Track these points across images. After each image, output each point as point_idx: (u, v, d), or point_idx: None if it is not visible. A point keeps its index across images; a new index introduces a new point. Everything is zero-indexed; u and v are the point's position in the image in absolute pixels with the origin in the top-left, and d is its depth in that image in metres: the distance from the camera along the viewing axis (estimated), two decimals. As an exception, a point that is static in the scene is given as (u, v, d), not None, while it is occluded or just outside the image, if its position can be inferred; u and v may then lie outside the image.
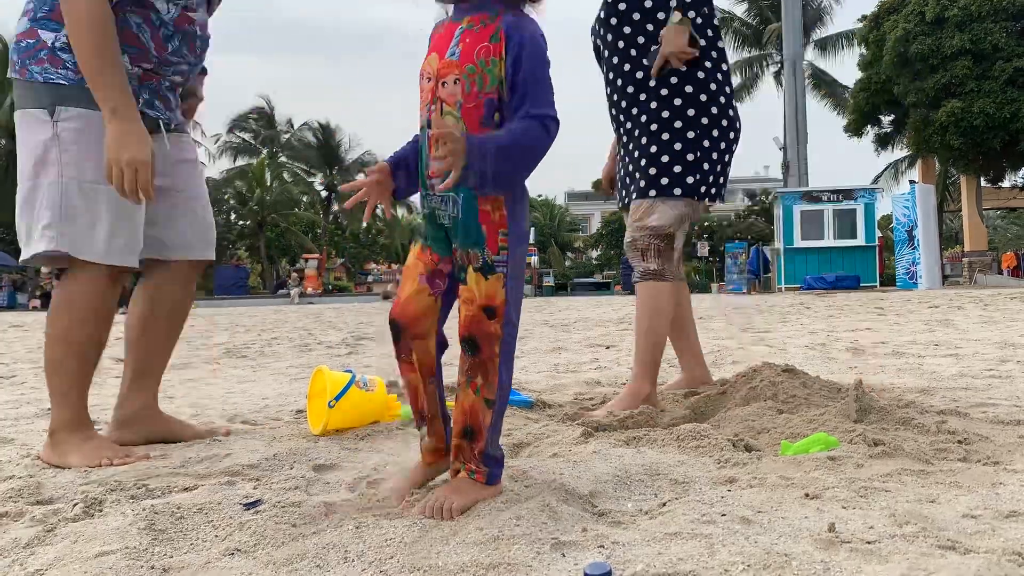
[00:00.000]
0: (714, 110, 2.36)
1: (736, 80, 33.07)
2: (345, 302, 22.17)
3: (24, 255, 1.86)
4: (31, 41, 1.83)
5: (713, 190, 2.39)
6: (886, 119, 24.21)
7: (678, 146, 2.33)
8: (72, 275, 1.83)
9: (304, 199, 39.98)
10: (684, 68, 2.31)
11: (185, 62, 1.97)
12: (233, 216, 40.81)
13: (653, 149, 2.34)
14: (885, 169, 31.45)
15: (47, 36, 1.81)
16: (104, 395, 3.28)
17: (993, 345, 4.25)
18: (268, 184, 41.36)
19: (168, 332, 2.07)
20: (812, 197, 21.42)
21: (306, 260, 30.23)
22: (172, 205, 1.99)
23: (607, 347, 5.17)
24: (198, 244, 2.06)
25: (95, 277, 1.82)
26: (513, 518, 1.22)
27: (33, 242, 1.81)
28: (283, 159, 42.70)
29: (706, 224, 38.84)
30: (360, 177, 2.16)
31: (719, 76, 2.39)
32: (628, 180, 2.47)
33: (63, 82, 1.80)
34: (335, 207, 38.06)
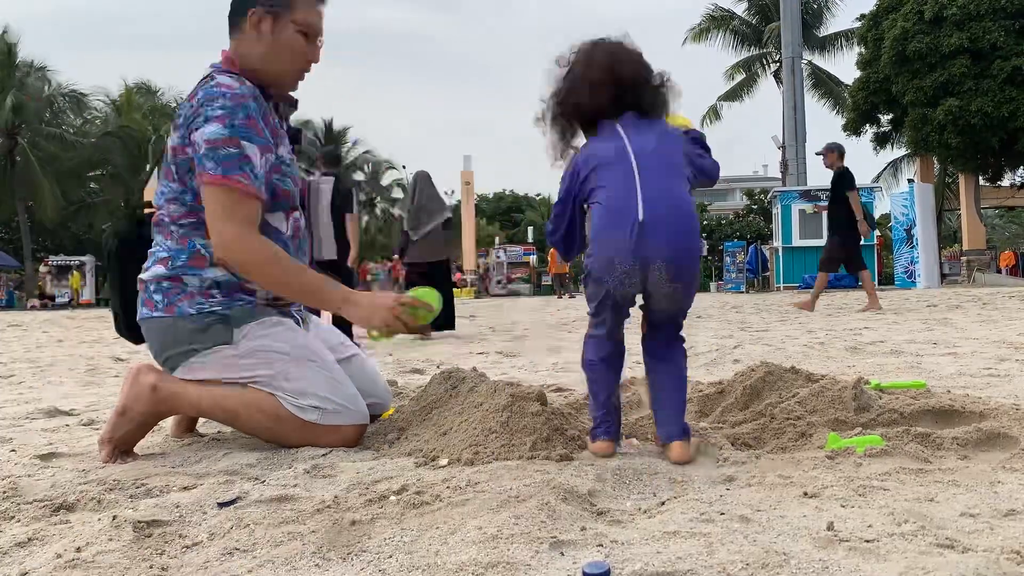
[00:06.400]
0: None
1: (735, 79, 33.11)
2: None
3: None
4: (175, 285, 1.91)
5: None
6: (884, 118, 24.21)
7: None
8: None
9: (303, 198, 40.14)
10: None
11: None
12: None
13: None
14: (885, 168, 31.48)
15: (192, 280, 1.90)
16: (103, 394, 3.28)
17: (992, 344, 4.25)
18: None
19: None
20: (811, 196, 21.44)
21: None
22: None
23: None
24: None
25: None
26: (512, 517, 1.22)
27: None
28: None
29: (704, 223, 38.82)
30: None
31: None
32: None
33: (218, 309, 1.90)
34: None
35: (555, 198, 1.78)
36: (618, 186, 1.63)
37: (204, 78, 1.92)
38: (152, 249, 2.00)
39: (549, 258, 25.48)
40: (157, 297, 1.92)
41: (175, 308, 1.90)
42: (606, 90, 1.70)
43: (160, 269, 1.93)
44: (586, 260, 1.68)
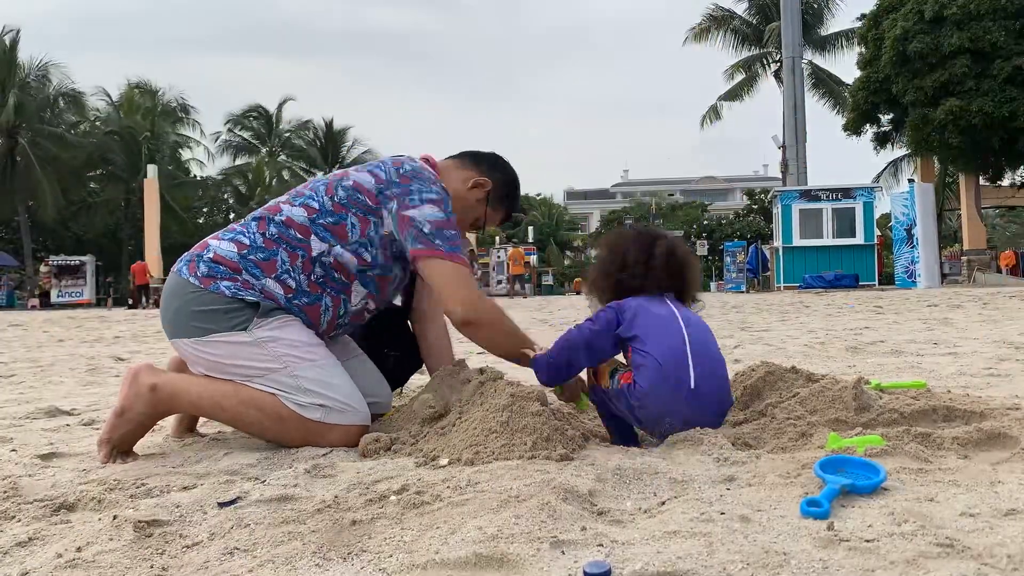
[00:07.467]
0: None
1: (735, 79, 33.10)
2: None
3: None
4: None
5: None
6: (885, 118, 24.20)
7: None
8: None
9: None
10: None
11: None
12: (232, 216, 40.67)
13: None
14: (885, 168, 31.46)
15: (247, 276, 1.94)
16: (104, 394, 3.28)
17: (992, 344, 4.25)
18: (267, 183, 41.27)
19: None
20: (811, 196, 21.45)
21: None
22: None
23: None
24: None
25: None
26: (512, 517, 1.22)
27: None
28: (283, 157, 42.67)
29: (705, 223, 38.84)
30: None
31: None
32: None
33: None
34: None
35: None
36: (672, 345, 1.82)
37: (402, 156, 2.12)
38: (237, 227, 2.03)
39: (509, 260, 26.12)
40: (203, 268, 1.94)
41: (211, 283, 1.92)
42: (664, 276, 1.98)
43: (231, 250, 1.96)
44: (635, 405, 1.83)
